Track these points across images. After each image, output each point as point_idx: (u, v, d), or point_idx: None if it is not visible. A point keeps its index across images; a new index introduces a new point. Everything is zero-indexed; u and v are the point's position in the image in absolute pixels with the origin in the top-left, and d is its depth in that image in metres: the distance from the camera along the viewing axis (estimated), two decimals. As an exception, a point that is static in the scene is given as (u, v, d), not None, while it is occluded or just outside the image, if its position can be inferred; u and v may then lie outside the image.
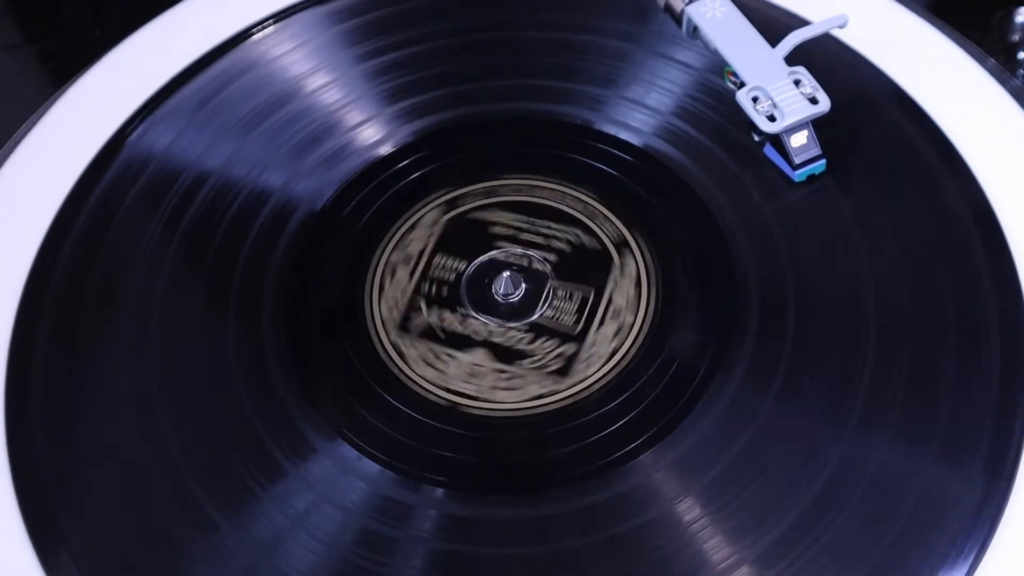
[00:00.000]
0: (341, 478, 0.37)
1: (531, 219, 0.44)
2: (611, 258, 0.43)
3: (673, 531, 0.35)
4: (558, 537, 0.36)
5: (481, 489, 0.37)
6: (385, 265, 0.43)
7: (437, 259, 0.43)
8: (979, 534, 0.35)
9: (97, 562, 0.36)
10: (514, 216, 0.44)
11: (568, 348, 0.41)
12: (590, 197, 0.45)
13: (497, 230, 0.44)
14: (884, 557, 0.34)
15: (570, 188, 0.45)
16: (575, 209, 0.44)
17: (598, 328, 0.41)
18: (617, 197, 0.44)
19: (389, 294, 0.42)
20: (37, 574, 0.35)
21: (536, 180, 0.45)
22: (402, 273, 0.43)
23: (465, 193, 0.45)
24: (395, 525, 0.36)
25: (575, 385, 0.39)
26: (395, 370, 0.40)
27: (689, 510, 0.36)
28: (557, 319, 0.41)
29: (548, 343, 0.41)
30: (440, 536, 0.36)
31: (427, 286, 0.43)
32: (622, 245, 0.43)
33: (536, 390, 0.39)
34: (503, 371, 0.40)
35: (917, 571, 0.34)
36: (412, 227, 0.44)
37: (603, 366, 0.40)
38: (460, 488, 0.37)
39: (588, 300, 0.42)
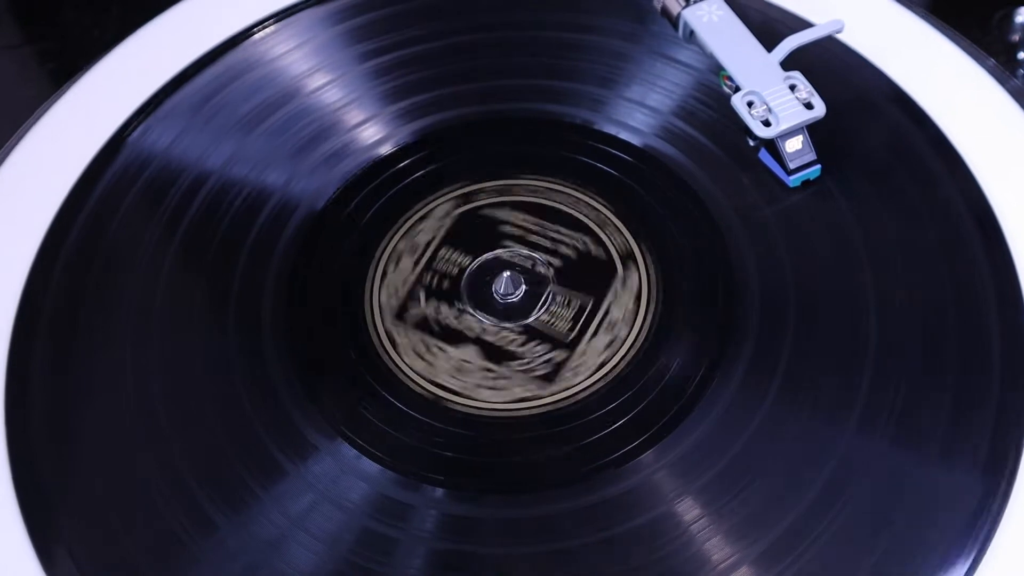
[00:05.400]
0: (341, 478, 0.37)
1: (540, 221, 0.44)
2: (614, 266, 0.43)
3: (673, 531, 0.35)
4: (558, 537, 0.36)
5: (481, 489, 0.37)
6: (390, 254, 0.43)
7: (442, 252, 0.43)
8: (979, 534, 0.35)
9: (97, 562, 0.36)
10: (522, 216, 0.44)
11: (558, 355, 0.40)
12: (591, 197, 0.45)
13: (506, 229, 0.44)
14: (884, 557, 0.34)
15: (571, 188, 0.45)
16: (580, 212, 0.44)
17: (594, 333, 0.41)
18: (617, 197, 0.44)
19: (391, 281, 0.42)
20: (37, 574, 0.35)
21: (538, 180, 0.45)
22: (406, 262, 0.43)
23: (468, 191, 0.45)
24: (395, 525, 0.36)
25: (560, 391, 0.39)
26: (385, 358, 0.40)
27: (689, 510, 0.36)
28: (552, 324, 0.41)
29: (539, 347, 0.41)
30: (440, 536, 0.36)
31: (429, 277, 0.43)
32: (626, 252, 0.43)
33: (520, 393, 0.39)
34: (490, 370, 0.40)
35: (917, 571, 0.34)
36: (422, 218, 0.44)
37: (598, 369, 0.40)
38: (460, 488, 0.37)
39: (586, 307, 0.42)
